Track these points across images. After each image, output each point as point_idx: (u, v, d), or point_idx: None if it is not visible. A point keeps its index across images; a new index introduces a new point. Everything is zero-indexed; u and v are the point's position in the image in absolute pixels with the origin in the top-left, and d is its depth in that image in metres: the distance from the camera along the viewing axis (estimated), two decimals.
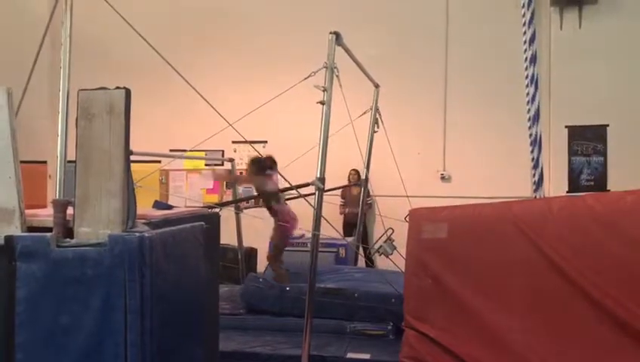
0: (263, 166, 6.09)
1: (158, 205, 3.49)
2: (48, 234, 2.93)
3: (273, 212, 6.05)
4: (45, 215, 3.20)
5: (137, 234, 2.85)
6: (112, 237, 2.85)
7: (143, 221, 3.07)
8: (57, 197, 3.09)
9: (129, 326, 2.80)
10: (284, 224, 5.97)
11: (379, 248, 5.13)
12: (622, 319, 3.16)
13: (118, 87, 3.07)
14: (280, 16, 10.19)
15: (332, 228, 5.29)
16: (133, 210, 3.00)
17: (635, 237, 3.22)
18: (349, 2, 9.89)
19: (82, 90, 3.05)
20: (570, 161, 9.42)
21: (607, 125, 9.27)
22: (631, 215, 3.27)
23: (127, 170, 3.03)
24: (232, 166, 7.69)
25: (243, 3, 10.41)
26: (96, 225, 2.96)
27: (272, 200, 6.01)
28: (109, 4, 3.45)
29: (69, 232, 3.03)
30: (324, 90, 4.82)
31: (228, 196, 9.85)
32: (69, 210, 3.07)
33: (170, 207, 3.59)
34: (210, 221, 3.65)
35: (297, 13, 10.06)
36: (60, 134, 3.09)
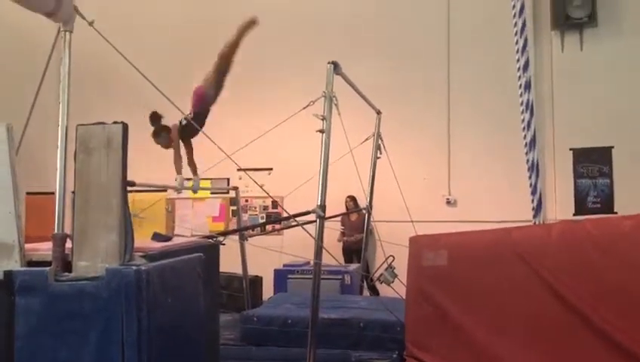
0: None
1: (156, 237, 3.51)
2: (47, 269, 2.95)
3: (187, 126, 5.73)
4: (45, 249, 3.23)
5: (134, 267, 2.87)
6: (109, 270, 2.87)
7: (141, 254, 3.09)
8: (57, 230, 3.13)
9: (127, 360, 2.80)
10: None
11: (380, 276, 5.10)
12: (621, 344, 3.12)
13: (115, 122, 3.12)
14: (283, 46, 10.32)
15: (334, 255, 5.27)
16: (130, 243, 3.02)
17: (633, 262, 3.20)
18: (351, 30, 10.01)
19: (80, 125, 3.10)
20: (576, 183, 9.38)
21: (612, 147, 9.24)
22: (629, 240, 3.25)
23: (125, 204, 3.06)
24: (237, 193, 7.72)
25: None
26: (94, 259, 2.99)
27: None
28: (108, 42, 3.51)
29: (67, 266, 3.06)
30: (323, 119, 4.87)
31: (233, 224, 9.88)
32: (69, 243, 3.11)
33: (169, 239, 3.61)
34: (209, 252, 3.66)
35: (301, 41, 10.18)
36: (58, 168, 3.13)
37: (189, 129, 5.58)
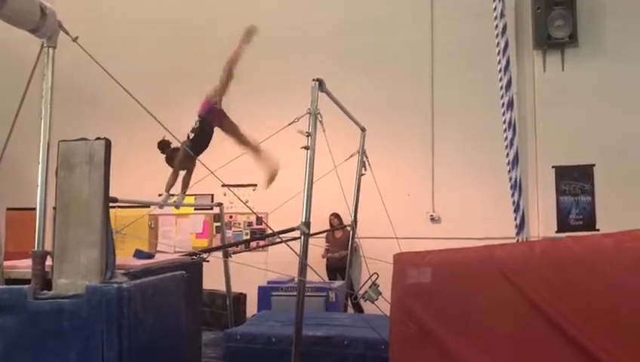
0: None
1: (138, 254, 3.48)
2: (25, 287, 2.91)
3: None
4: (24, 266, 3.20)
5: (115, 285, 2.85)
6: (89, 288, 2.84)
7: (123, 271, 3.06)
8: (36, 247, 3.08)
9: None
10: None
11: (364, 294, 5.08)
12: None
13: (98, 138, 3.10)
14: (269, 64, 10.35)
15: (319, 273, 5.25)
16: (112, 260, 2.99)
17: (615, 280, 3.22)
18: (336, 48, 10.07)
19: (62, 141, 3.08)
20: (558, 200, 9.47)
21: (594, 165, 9.36)
22: (610, 257, 3.28)
23: (107, 220, 3.03)
24: (221, 210, 7.68)
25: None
26: (75, 276, 2.95)
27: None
28: (93, 59, 3.50)
29: (47, 283, 3.01)
30: (308, 136, 4.88)
31: (217, 240, 9.81)
32: (49, 261, 3.06)
33: (151, 256, 3.58)
34: (192, 269, 3.64)
35: (285, 58, 10.22)
36: (39, 184, 3.10)
37: (195, 147, 5.52)
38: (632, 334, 3.11)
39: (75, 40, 3.25)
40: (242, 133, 6.04)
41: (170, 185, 5.89)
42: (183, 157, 5.72)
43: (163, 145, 5.91)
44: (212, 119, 5.91)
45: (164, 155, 5.97)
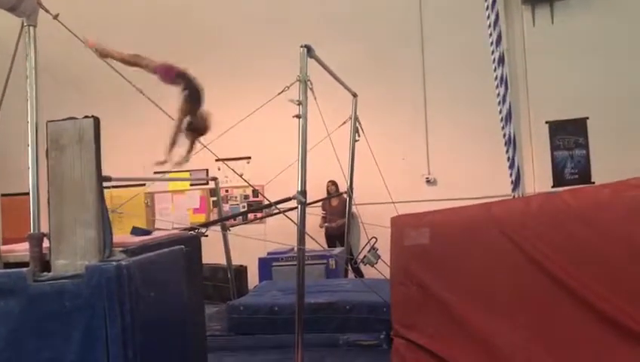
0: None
1: (135, 231, 3.47)
2: (24, 270, 2.90)
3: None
4: (22, 250, 3.18)
5: (114, 263, 2.84)
6: (89, 267, 2.83)
7: (121, 249, 3.05)
8: (32, 230, 3.07)
9: (111, 357, 2.77)
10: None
11: (363, 258, 5.11)
12: (605, 312, 3.17)
13: (86, 116, 3.06)
14: (256, 33, 10.21)
15: (318, 241, 5.25)
16: (109, 239, 2.98)
17: (612, 230, 3.23)
18: (324, 14, 9.93)
19: (50, 121, 3.03)
20: (553, 155, 9.48)
21: (587, 118, 9.35)
22: (607, 208, 3.29)
23: (101, 199, 3.01)
24: (216, 184, 7.66)
25: (220, 21, 10.43)
26: (73, 257, 2.94)
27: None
28: (74, 35, 3.43)
29: (46, 266, 3.01)
30: (299, 104, 4.83)
31: (214, 215, 9.82)
32: (46, 243, 3.05)
33: (148, 233, 3.56)
34: (190, 244, 3.63)
35: (273, 28, 10.07)
36: (30, 167, 3.07)
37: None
38: (630, 281, 3.14)
39: (55, 17, 3.19)
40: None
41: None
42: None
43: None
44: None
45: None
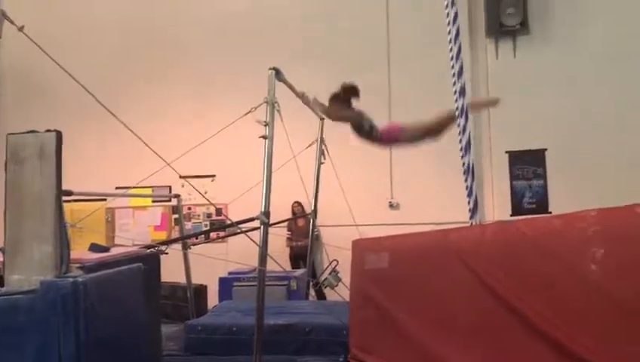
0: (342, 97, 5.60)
1: (94, 248, 3.43)
2: None
3: (371, 135, 5.55)
4: None
5: (71, 279, 2.81)
6: (44, 283, 2.80)
7: (78, 265, 3.02)
8: None
9: None
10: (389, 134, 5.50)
11: (324, 280, 5.14)
12: (555, 339, 3.26)
13: (48, 130, 3.04)
14: (225, 53, 10.26)
15: (282, 262, 5.24)
16: (66, 254, 2.96)
17: (562, 259, 3.34)
18: (293, 37, 10.04)
19: (11, 133, 3.01)
20: (512, 185, 9.72)
21: (546, 149, 9.63)
22: (558, 238, 3.40)
23: (60, 214, 2.99)
24: (179, 201, 7.60)
25: (188, 39, 10.45)
26: (28, 272, 2.91)
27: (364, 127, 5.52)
28: (40, 48, 3.42)
29: (0, 280, 2.96)
30: (265, 125, 4.87)
31: (176, 233, 9.71)
32: (1, 257, 3.01)
33: (107, 249, 3.54)
34: (149, 261, 3.61)
35: (243, 48, 10.14)
36: None
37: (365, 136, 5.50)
38: (582, 310, 3.24)
39: (20, 29, 3.18)
40: (423, 127, 5.53)
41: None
42: (348, 119, 5.54)
43: (349, 90, 5.57)
44: (386, 139, 5.68)
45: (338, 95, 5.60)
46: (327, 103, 5.69)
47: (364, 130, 5.50)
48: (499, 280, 3.49)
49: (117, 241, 9.18)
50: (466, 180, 4.21)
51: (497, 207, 9.60)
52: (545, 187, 9.64)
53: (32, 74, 9.19)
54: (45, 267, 2.89)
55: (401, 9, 10.00)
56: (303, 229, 9.46)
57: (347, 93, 5.63)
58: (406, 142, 5.66)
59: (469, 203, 4.20)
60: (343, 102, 5.62)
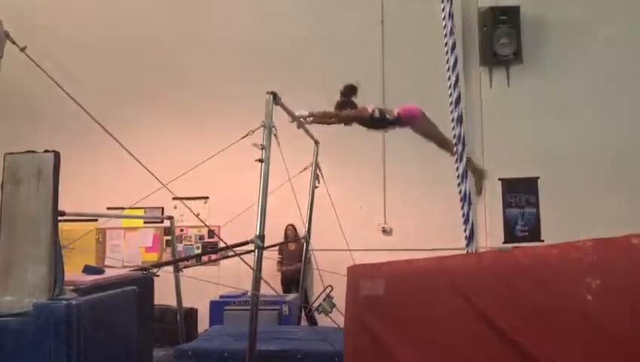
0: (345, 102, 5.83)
1: (88, 270, 3.39)
2: None
3: (385, 121, 5.76)
4: None
5: (64, 301, 2.77)
6: (36, 306, 2.76)
7: (72, 288, 2.98)
8: None
9: None
10: (409, 117, 5.73)
11: (318, 306, 5.10)
12: None
13: (47, 151, 3.02)
14: (222, 76, 10.32)
15: (273, 286, 5.21)
16: (60, 277, 2.92)
17: (559, 290, 3.34)
18: (290, 61, 10.12)
19: (9, 153, 2.99)
20: (505, 212, 9.76)
21: (538, 177, 9.70)
22: (555, 268, 3.40)
23: (55, 235, 2.95)
24: (172, 223, 7.55)
25: (186, 62, 10.50)
26: (21, 294, 2.86)
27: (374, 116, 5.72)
28: (40, 68, 3.42)
29: None
30: (262, 149, 4.87)
31: (167, 254, 9.64)
32: None
33: (101, 272, 3.50)
34: (143, 284, 3.57)
35: (238, 71, 10.20)
36: None
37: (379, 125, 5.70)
38: (577, 340, 3.23)
39: (22, 50, 3.17)
40: (439, 133, 5.86)
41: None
42: (355, 117, 5.73)
43: (349, 90, 5.83)
44: (407, 122, 5.92)
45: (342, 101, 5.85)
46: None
47: (376, 118, 5.60)
48: (495, 309, 3.47)
49: (107, 262, 9.10)
50: (462, 207, 4.21)
51: (490, 234, 9.63)
52: (537, 215, 9.69)
53: (25, 94, 9.18)
54: (38, 289, 2.84)
55: (396, 35, 10.11)
56: (294, 253, 9.41)
57: (348, 93, 5.95)
58: (418, 130, 5.79)
59: (465, 230, 4.20)
60: (348, 105, 5.88)
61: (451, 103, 4.24)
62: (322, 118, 5.82)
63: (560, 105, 9.62)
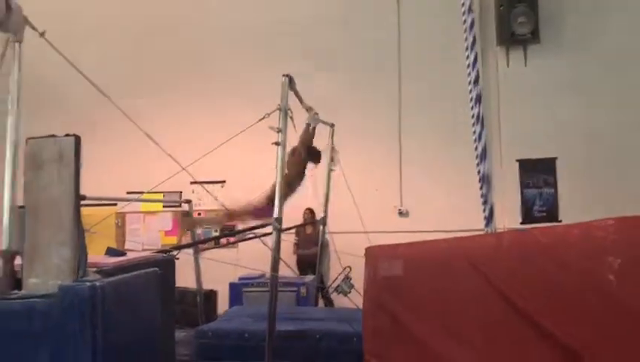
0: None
1: (110, 252, 3.44)
2: None
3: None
4: None
5: (88, 283, 2.80)
6: (62, 287, 2.79)
7: (95, 269, 3.02)
8: (5, 247, 3.02)
9: None
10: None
11: (337, 287, 5.13)
12: (572, 348, 3.24)
13: (67, 135, 3.05)
14: (239, 61, 10.30)
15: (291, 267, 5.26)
16: (84, 259, 2.95)
17: (580, 269, 3.33)
18: (304, 43, 10.06)
19: (31, 138, 3.02)
20: (522, 193, 9.68)
21: (556, 158, 9.60)
22: (576, 247, 3.39)
23: (78, 218, 2.99)
24: (190, 207, 7.61)
25: (203, 47, 10.49)
26: (46, 276, 2.90)
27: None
28: (59, 52, 3.44)
29: (17, 283, 2.96)
30: (278, 132, 4.88)
31: (187, 238, 9.72)
32: (18, 260, 3.01)
33: (123, 254, 3.55)
34: (164, 266, 3.61)
35: (254, 54, 10.18)
36: (7, 183, 3.03)
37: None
38: (599, 320, 3.22)
39: (42, 35, 3.19)
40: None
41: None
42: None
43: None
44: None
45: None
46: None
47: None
48: (514, 288, 3.47)
49: (127, 246, 9.20)
50: (481, 188, 4.19)
51: (507, 215, 9.53)
52: (555, 195, 9.60)
53: (44, 79, 9.24)
54: (63, 271, 2.88)
55: (413, 15, 10.00)
56: (310, 237, 9.44)
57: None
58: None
59: (484, 211, 4.19)
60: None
61: (470, 82, 4.20)
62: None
63: (578, 84, 9.47)
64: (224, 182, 10.16)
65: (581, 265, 3.33)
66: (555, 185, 9.60)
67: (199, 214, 10.09)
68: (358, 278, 4.85)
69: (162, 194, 9.16)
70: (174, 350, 4.02)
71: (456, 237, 4.14)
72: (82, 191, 3.51)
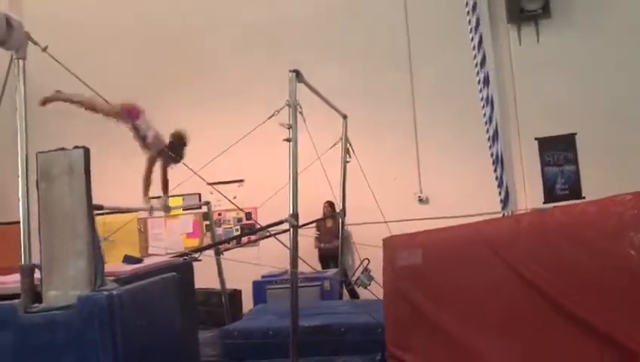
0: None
1: (127, 259, 3.47)
2: (16, 301, 2.90)
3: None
4: (12, 282, 3.18)
5: (106, 292, 2.84)
6: (80, 298, 2.83)
7: (112, 278, 3.05)
8: (23, 261, 3.07)
9: None
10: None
11: (356, 280, 5.12)
12: (597, 329, 3.18)
13: (76, 147, 3.08)
14: (247, 57, 10.30)
15: (312, 262, 5.24)
16: (100, 268, 2.99)
17: (601, 247, 3.25)
18: (312, 36, 10.04)
19: (40, 152, 3.06)
20: (543, 172, 9.54)
21: (576, 134, 9.44)
22: (595, 225, 3.31)
23: (92, 228, 3.02)
24: (209, 208, 7.65)
25: (212, 47, 10.52)
26: (65, 287, 2.95)
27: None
28: (63, 66, 3.47)
29: (37, 297, 3.00)
30: (289, 128, 4.87)
31: (208, 239, 9.80)
32: (38, 274, 3.05)
33: (140, 261, 3.57)
34: (182, 270, 3.64)
35: (264, 53, 10.17)
36: (21, 198, 3.07)
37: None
38: (619, 297, 3.15)
39: (44, 50, 3.22)
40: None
41: (147, 187, 5.78)
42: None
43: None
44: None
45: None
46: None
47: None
48: (535, 271, 3.41)
49: (150, 251, 9.30)
50: (495, 170, 4.14)
51: (529, 195, 9.44)
52: (577, 172, 9.46)
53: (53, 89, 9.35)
54: (80, 282, 2.92)
55: (420, 2, 9.90)
56: (331, 230, 9.43)
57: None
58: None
59: (500, 193, 4.13)
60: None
61: (476, 65, 4.14)
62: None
63: (593, 58, 9.28)
64: (242, 181, 10.20)
65: (601, 243, 3.25)
66: (576, 162, 9.45)
67: (219, 215, 10.17)
68: (379, 269, 4.82)
69: (182, 198, 9.23)
70: (198, 352, 4.06)
71: (475, 222, 4.08)
72: (102, 200, 3.56)
